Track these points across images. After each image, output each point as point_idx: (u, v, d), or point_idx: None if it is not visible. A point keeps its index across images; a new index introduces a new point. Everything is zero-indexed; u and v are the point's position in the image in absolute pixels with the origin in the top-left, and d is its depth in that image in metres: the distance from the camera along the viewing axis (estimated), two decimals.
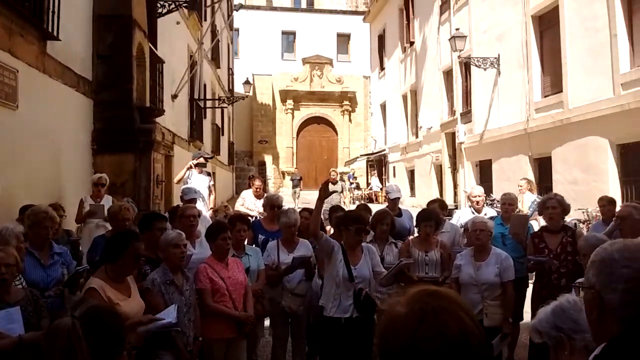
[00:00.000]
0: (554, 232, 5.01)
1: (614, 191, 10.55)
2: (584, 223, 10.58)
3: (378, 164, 28.93)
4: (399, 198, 6.60)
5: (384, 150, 27.12)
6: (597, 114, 10.95)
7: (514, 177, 14.31)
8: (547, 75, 13.30)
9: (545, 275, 4.86)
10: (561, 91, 12.34)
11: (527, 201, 9.87)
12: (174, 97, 13.14)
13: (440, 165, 19.85)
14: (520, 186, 10.51)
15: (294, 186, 23.08)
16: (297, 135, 33.22)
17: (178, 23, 13.85)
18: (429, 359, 1.06)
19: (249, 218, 6.38)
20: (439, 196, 19.21)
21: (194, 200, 6.53)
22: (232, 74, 28.91)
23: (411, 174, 23.50)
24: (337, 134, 33.72)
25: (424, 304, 1.12)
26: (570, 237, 4.91)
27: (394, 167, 25.88)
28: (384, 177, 27.51)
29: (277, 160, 32.53)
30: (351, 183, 27.76)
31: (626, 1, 10.49)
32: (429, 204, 6.24)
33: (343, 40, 34.86)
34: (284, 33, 34.10)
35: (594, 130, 11.12)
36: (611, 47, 10.64)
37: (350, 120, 33.55)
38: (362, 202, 21.57)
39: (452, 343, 1.06)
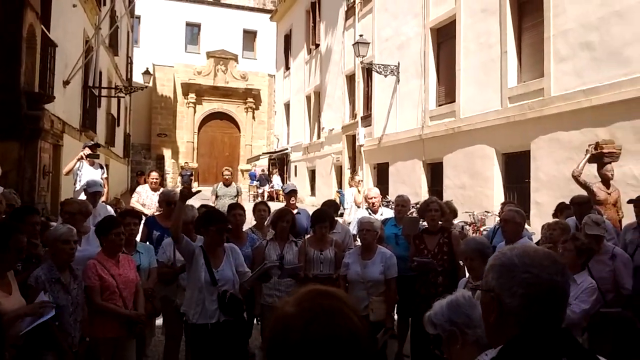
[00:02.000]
0: (433, 234, 5.32)
1: (498, 196, 11.36)
2: (470, 225, 11.29)
3: (280, 162, 29.02)
4: (295, 191, 6.70)
5: (287, 149, 27.25)
6: (485, 124, 11.72)
7: (409, 180, 14.99)
8: (442, 86, 14.03)
9: (424, 274, 5.13)
10: (454, 101, 13.07)
11: (348, 194, 11.41)
12: (66, 83, 12.36)
13: (341, 166, 20.29)
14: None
15: (184, 183, 21.75)
16: (199, 130, 32.50)
17: (74, 6, 13.05)
18: (319, 359, 1.07)
19: (144, 214, 6.17)
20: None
21: (98, 194, 6.21)
22: (131, 62, 27.69)
23: (312, 173, 23.80)
24: (240, 130, 33.39)
25: (313, 304, 1.13)
26: (446, 238, 5.24)
27: (295, 167, 26.06)
28: (285, 175, 27.62)
29: (177, 155, 31.64)
30: (256, 179, 27.58)
31: (517, 20, 11.33)
32: (323, 205, 6.36)
33: (249, 37, 34.61)
34: (188, 24, 33.23)
35: (482, 140, 11.89)
36: (501, 63, 11.44)
37: (253, 117, 33.36)
38: (261, 200, 21.39)
39: (342, 342, 1.08)
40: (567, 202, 6.82)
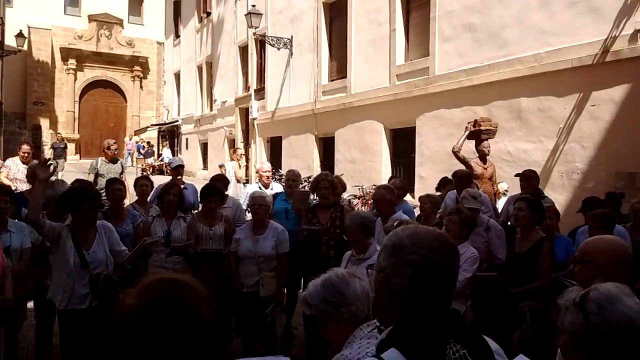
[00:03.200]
0: (325, 208, 5.37)
1: (386, 170, 11.75)
2: (359, 199, 11.60)
3: (170, 135, 28.02)
4: (182, 166, 6.45)
5: (177, 121, 26.35)
6: (375, 100, 12.01)
7: (301, 154, 15.08)
8: (334, 61, 14.15)
9: (315, 247, 5.18)
10: (345, 77, 13.25)
11: (229, 168, 11.70)
12: None
13: (234, 140, 19.98)
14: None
15: (57, 156, 19.89)
16: (80, 98, 30.39)
17: None
18: (164, 351, 1.01)
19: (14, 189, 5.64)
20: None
21: None
22: (3, 24, 25.10)
23: (204, 146, 23.25)
24: (126, 100, 31.70)
25: (157, 295, 1.06)
26: (339, 212, 5.33)
27: (186, 139, 25.33)
28: (176, 148, 26.77)
29: (56, 125, 29.37)
30: (140, 153, 26.50)
31: (405, 0, 11.61)
32: (212, 179, 6.20)
33: (136, 1, 32.63)
34: None
35: (372, 115, 12.19)
36: (390, 41, 11.71)
37: (141, 87, 31.76)
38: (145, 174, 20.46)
39: (188, 332, 1.03)
40: (449, 176, 7.17)
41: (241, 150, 11.28)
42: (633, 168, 7.21)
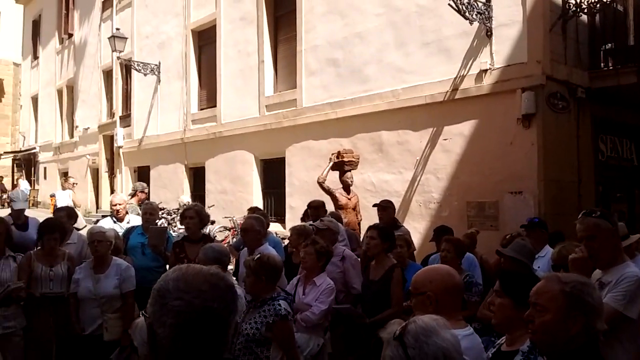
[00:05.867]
0: (194, 242, 5.13)
1: (257, 201, 11.65)
2: (230, 230, 11.37)
3: (27, 163, 25.82)
4: (23, 210, 5.84)
5: (34, 148, 24.38)
6: (245, 130, 11.93)
7: (170, 184, 14.56)
8: (204, 89, 13.92)
9: None
10: (215, 106, 13.06)
11: (64, 197, 11.59)
12: None
13: (97, 169, 18.86)
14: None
15: None
16: None
17: None
18: None
19: None
20: (94, 201, 18.37)
21: None
22: None
23: (65, 176, 21.66)
24: None
25: None
26: None
27: (45, 168, 23.51)
28: (33, 178, 24.68)
29: None
30: None
31: (273, 32, 11.78)
32: (55, 212, 5.68)
33: None
34: None
35: (242, 145, 12.09)
36: (259, 71, 11.77)
37: None
38: None
39: None
40: None
41: (73, 179, 10.71)
42: (481, 197, 7.77)
